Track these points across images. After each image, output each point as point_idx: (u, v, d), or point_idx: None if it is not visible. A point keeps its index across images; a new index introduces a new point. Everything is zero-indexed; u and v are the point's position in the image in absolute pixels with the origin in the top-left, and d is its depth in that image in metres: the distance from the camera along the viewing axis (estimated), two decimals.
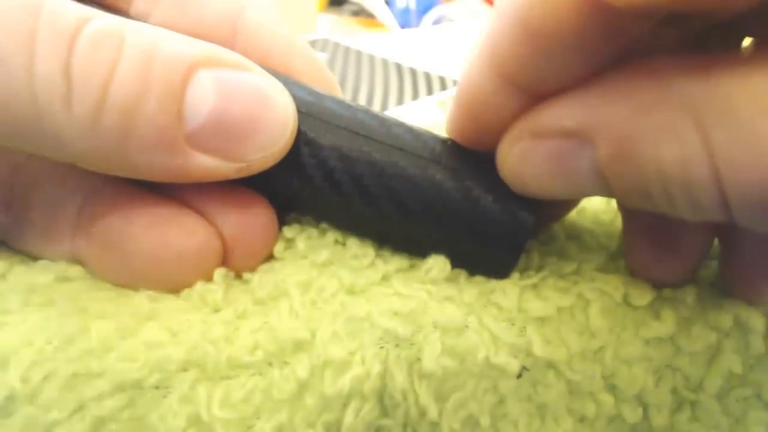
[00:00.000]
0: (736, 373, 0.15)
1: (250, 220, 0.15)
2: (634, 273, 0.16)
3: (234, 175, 0.14)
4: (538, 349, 0.14)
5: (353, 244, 0.16)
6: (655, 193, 0.11)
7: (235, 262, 0.15)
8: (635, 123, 0.11)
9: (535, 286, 0.15)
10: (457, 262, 0.16)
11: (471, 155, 0.15)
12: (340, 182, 0.15)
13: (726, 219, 0.11)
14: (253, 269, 0.16)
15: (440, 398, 0.14)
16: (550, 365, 0.15)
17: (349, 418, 0.14)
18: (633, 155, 0.11)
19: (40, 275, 0.15)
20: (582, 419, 0.15)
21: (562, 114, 0.12)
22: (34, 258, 0.15)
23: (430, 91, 0.49)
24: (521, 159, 0.13)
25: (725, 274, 0.16)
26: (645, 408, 0.15)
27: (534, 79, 0.13)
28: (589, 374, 0.15)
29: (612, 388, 0.15)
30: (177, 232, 0.14)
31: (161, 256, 0.14)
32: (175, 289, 0.15)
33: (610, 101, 0.11)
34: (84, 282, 0.15)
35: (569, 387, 0.15)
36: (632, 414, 0.15)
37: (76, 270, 0.15)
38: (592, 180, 0.12)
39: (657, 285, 0.16)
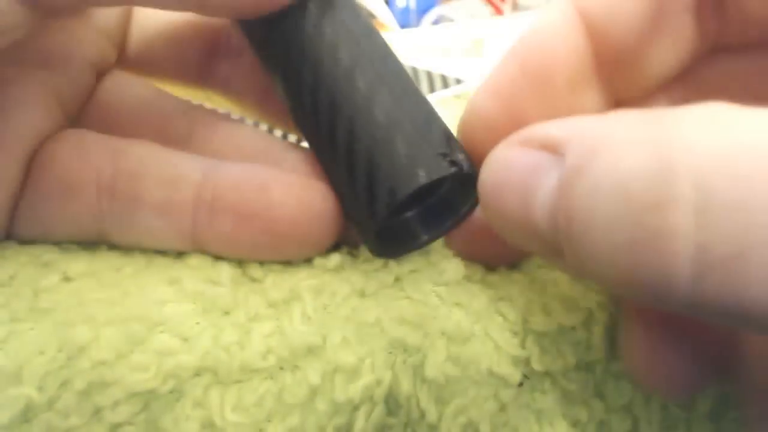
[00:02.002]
0: (727, 393, 0.15)
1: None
2: (638, 379, 0.14)
3: None
4: (537, 363, 0.14)
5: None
6: (603, 213, 0.09)
7: None
8: (608, 131, 0.10)
9: (541, 296, 0.16)
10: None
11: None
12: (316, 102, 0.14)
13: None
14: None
15: (440, 402, 0.14)
16: (547, 374, 0.15)
17: (360, 422, 0.14)
18: (595, 162, 0.10)
19: (45, 277, 0.15)
20: (575, 424, 0.15)
21: (553, 126, 0.11)
22: (43, 263, 0.15)
23: (432, 89, 0.49)
24: (504, 165, 0.12)
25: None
26: (636, 421, 0.15)
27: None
28: (582, 383, 0.15)
29: (602, 396, 0.15)
30: (316, 195, 0.15)
31: (305, 220, 0.15)
32: (309, 254, 0.15)
33: (601, 119, 0.11)
34: (85, 281, 0.15)
35: (564, 394, 0.15)
36: (620, 424, 0.15)
37: (75, 267, 0.15)
38: (548, 205, 0.11)
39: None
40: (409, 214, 0.16)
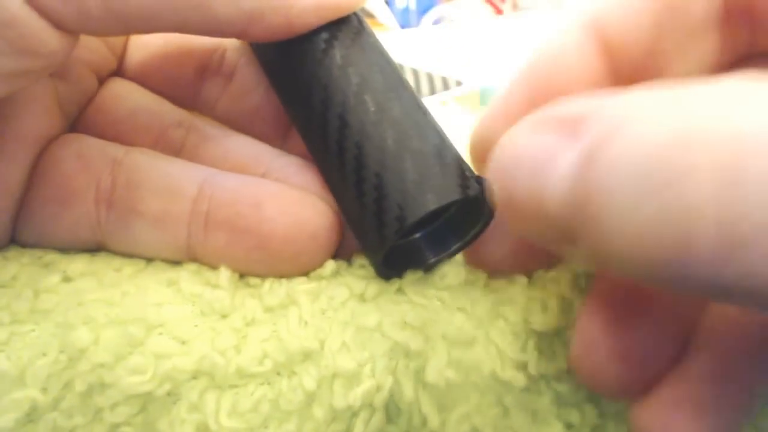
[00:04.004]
0: None
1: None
2: (583, 377, 0.13)
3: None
4: (533, 367, 0.14)
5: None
6: (623, 189, 0.09)
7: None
8: (628, 109, 0.10)
9: (542, 294, 0.15)
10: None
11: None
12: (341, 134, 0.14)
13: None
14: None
15: (443, 409, 0.14)
16: (542, 376, 0.15)
17: (358, 429, 0.14)
18: (616, 138, 0.09)
19: (45, 277, 0.15)
20: (569, 426, 0.15)
21: (570, 104, 0.11)
22: (44, 263, 0.15)
23: (432, 91, 0.49)
24: (516, 147, 0.11)
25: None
26: None
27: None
28: (575, 386, 0.15)
29: (594, 401, 0.15)
30: (310, 212, 0.15)
31: (297, 237, 0.15)
32: (303, 270, 0.15)
33: (619, 97, 0.10)
34: (85, 281, 0.15)
35: (557, 396, 0.15)
36: (616, 429, 0.15)
37: (75, 267, 0.15)
38: (563, 186, 0.10)
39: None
40: (416, 235, 0.16)
